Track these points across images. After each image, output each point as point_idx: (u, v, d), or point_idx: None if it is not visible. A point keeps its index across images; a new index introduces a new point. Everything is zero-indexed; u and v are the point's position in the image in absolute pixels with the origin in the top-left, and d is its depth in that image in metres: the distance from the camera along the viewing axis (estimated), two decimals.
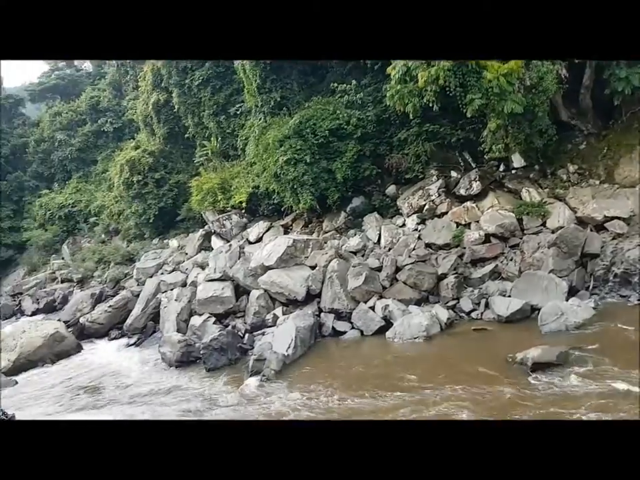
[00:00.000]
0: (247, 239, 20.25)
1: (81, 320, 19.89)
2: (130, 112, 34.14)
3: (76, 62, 48.87)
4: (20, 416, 12.27)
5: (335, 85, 18.74)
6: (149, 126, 28.23)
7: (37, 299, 26.90)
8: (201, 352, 13.84)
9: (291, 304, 15.64)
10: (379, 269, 15.32)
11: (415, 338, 12.79)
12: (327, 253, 16.27)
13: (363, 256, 16.56)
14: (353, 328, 14.29)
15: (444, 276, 14.53)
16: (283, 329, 13.79)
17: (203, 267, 19.78)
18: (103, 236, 32.05)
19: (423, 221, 16.68)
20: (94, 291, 23.04)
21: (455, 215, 16.06)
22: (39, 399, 13.72)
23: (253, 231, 20.35)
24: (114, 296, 21.39)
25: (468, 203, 16.09)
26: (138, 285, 21.64)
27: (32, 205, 37.72)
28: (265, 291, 16.13)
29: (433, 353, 12.29)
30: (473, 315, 13.64)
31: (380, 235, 17.07)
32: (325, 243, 17.50)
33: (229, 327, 15.45)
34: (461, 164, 17.14)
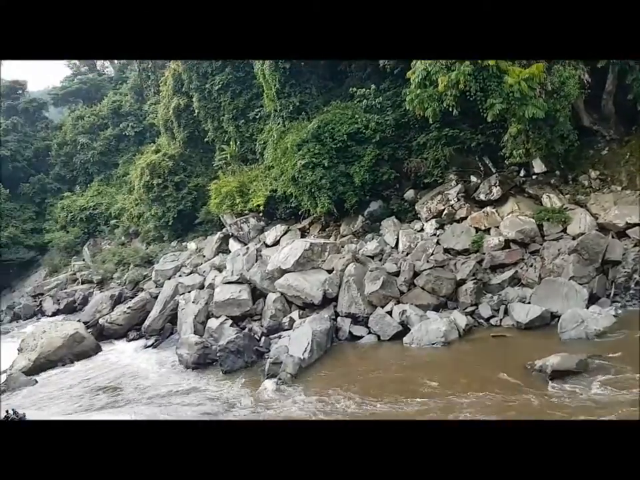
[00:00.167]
0: (264, 242, 20.33)
1: (100, 321, 20.11)
2: (151, 116, 34.63)
3: (98, 66, 49.70)
4: (39, 415, 12.47)
5: (354, 89, 18.77)
6: (170, 130, 28.56)
7: (58, 300, 27.29)
8: (218, 354, 13.88)
9: (308, 307, 15.62)
10: (397, 274, 15.24)
11: (433, 344, 12.69)
12: (344, 257, 16.22)
13: (380, 260, 16.50)
14: (369, 333, 14.23)
15: (462, 282, 14.40)
16: (299, 333, 13.77)
17: (220, 269, 19.88)
18: (122, 238, 32.45)
19: (441, 226, 16.58)
20: (113, 292, 23.31)
21: (475, 220, 15.93)
22: (58, 398, 13.86)
23: (270, 234, 20.41)
24: (133, 297, 21.59)
25: (488, 208, 15.96)
26: (156, 286, 21.82)
27: (54, 207, 38.35)
28: (282, 294, 16.15)
29: (452, 359, 12.17)
30: (492, 321, 13.49)
31: (398, 239, 17.01)
32: (342, 246, 17.47)
33: (246, 330, 15.49)
34: (481, 169, 17.01)
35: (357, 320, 14.67)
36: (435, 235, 16.45)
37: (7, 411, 9.04)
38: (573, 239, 14.06)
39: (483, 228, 15.70)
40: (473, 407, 9.22)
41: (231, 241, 22.15)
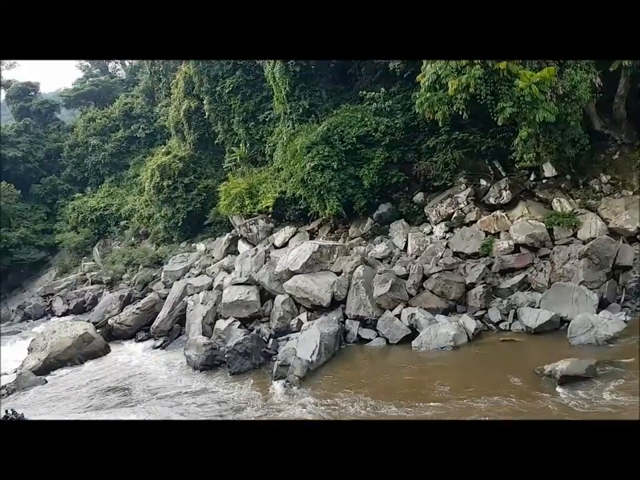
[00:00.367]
0: (273, 244, 20.37)
1: (110, 321, 20.21)
2: (162, 118, 34.83)
3: (110, 69, 50.05)
4: (48, 414, 12.56)
5: (364, 92, 18.79)
6: (180, 132, 28.74)
7: (68, 300, 27.50)
8: (226, 356, 13.90)
9: (316, 310, 15.62)
10: (406, 277, 15.21)
11: (442, 348, 12.65)
12: (352, 259, 16.22)
13: (389, 263, 16.48)
14: (378, 336, 14.20)
15: (472, 285, 14.34)
16: (307, 335, 13.77)
17: (229, 270, 19.93)
18: (132, 239, 32.63)
19: (451, 229, 16.53)
20: (122, 292, 23.46)
21: (484, 224, 15.87)
22: (67, 398, 13.95)
23: (279, 236, 20.45)
24: (142, 298, 21.71)
25: (497, 212, 15.89)
26: (165, 287, 21.92)
27: (65, 208, 38.63)
28: (290, 296, 16.16)
29: (461, 363, 12.12)
30: (501, 325, 13.42)
31: (407, 242, 16.99)
32: (351, 249, 17.47)
33: (254, 332, 15.52)
34: (491, 172, 16.94)
35: (366, 323, 14.65)
36: (444, 238, 16.41)
37: (6, 411, 9.11)
38: (584, 243, 13.98)
39: (492, 232, 15.64)
40: (492, 410, 9.15)
41: (240, 242, 22.22)
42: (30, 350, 17.62)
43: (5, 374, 16.23)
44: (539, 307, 13.18)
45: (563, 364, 9.90)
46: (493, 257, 14.88)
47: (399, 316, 14.25)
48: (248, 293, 17.01)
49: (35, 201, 39.82)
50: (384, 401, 10.27)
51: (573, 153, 14.93)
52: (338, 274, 16.07)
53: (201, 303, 17.93)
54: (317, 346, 13.02)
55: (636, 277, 12.97)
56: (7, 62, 44.69)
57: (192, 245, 26.55)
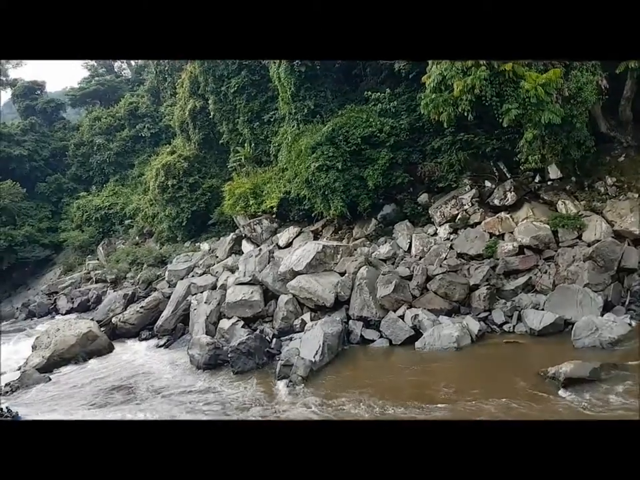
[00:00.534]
0: (277, 244, 20.39)
1: (113, 320, 20.26)
2: (167, 118, 34.92)
3: (116, 68, 50.26)
4: (52, 412, 12.60)
5: (369, 93, 18.79)
6: (185, 132, 28.79)
7: (72, 298, 27.59)
8: (229, 355, 13.92)
9: (319, 310, 15.63)
10: (409, 278, 15.20)
11: (445, 349, 12.63)
12: (356, 260, 16.22)
13: (393, 264, 16.47)
14: (381, 337, 14.19)
15: (476, 287, 14.33)
16: (310, 335, 13.77)
17: (232, 270, 19.96)
18: (137, 238, 32.71)
19: (455, 231, 16.51)
20: (126, 291, 23.49)
21: (489, 226, 15.85)
22: (71, 397, 13.99)
23: (283, 236, 20.47)
24: (146, 297, 21.74)
25: (502, 214, 15.87)
26: (169, 286, 21.95)
27: (70, 207, 38.75)
28: (294, 296, 16.17)
29: (465, 364, 12.11)
30: (505, 327, 13.40)
31: (411, 243, 16.98)
32: (355, 249, 17.47)
33: (257, 331, 15.52)
34: (496, 174, 16.92)
35: (369, 323, 14.65)
36: (448, 239, 16.39)
37: (0, 409, 9.11)
38: (588, 245, 13.94)
39: (497, 233, 15.62)
40: (503, 412, 9.11)
41: (244, 242, 22.25)
42: (34, 348, 17.67)
43: (4, 373, 16.26)
44: (543, 309, 13.15)
45: (567, 366, 9.88)
46: (497, 259, 14.85)
47: (402, 317, 14.24)
48: (252, 293, 17.04)
49: (40, 199, 39.97)
50: (390, 402, 10.24)
51: (578, 155, 14.90)
52: (342, 274, 16.08)
53: (205, 303, 17.96)
54: (320, 346, 13.03)
55: None
56: (13, 61, 44.93)
57: (196, 244, 26.59)
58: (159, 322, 19.05)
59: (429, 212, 17.47)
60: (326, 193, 18.04)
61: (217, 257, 22.99)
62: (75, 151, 40.98)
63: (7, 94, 49.50)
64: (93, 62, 48.64)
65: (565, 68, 13.65)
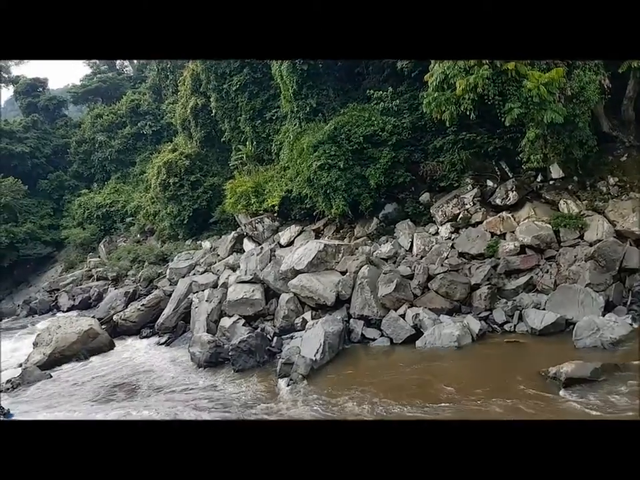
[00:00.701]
0: (279, 242, 20.39)
1: (115, 317, 20.30)
2: (168, 115, 34.92)
3: (117, 66, 50.25)
4: (53, 409, 12.62)
5: (371, 91, 18.76)
6: (187, 129, 28.78)
7: (73, 296, 27.63)
8: (230, 353, 13.93)
9: (320, 309, 15.63)
10: (410, 277, 15.19)
11: (446, 348, 12.62)
12: (357, 259, 16.21)
13: (394, 263, 16.46)
14: (382, 335, 14.18)
15: (477, 286, 14.31)
16: (311, 334, 13.77)
17: (234, 268, 19.96)
18: (138, 236, 32.74)
19: (456, 230, 16.49)
20: (128, 289, 23.52)
21: (490, 225, 15.83)
22: (72, 393, 14.01)
23: (285, 235, 20.47)
24: (147, 295, 21.76)
25: (504, 213, 15.84)
26: (170, 284, 21.98)
27: (71, 204, 38.83)
28: (295, 294, 16.17)
29: (466, 364, 12.08)
30: (506, 327, 13.37)
31: (412, 242, 16.96)
32: (356, 248, 17.46)
33: (258, 330, 15.53)
34: (498, 173, 16.88)
35: (370, 322, 14.64)
36: (449, 238, 16.37)
37: None
38: (590, 245, 13.92)
39: (498, 233, 15.59)
40: (509, 412, 9.09)
41: (245, 240, 22.25)
42: (35, 345, 17.70)
43: (5, 369, 16.28)
44: (544, 309, 13.13)
45: (567, 366, 9.85)
46: (499, 258, 14.83)
47: (403, 316, 14.24)
48: (253, 291, 17.04)
49: (41, 196, 40.04)
50: (392, 401, 10.21)
51: (580, 154, 14.86)
52: (343, 273, 16.07)
53: (206, 301, 17.97)
54: (321, 345, 13.02)
55: None
56: None
57: (197, 242, 26.60)
58: (160, 320, 19.07)
59: (431, 211, 17.45)
60: (328, 191, 18.03)
61: (219, 255, 23.00)
62: (77, 148, 41.02)
63: (9, 91, 49.56)
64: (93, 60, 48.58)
65: (568, 67, 13.60)
